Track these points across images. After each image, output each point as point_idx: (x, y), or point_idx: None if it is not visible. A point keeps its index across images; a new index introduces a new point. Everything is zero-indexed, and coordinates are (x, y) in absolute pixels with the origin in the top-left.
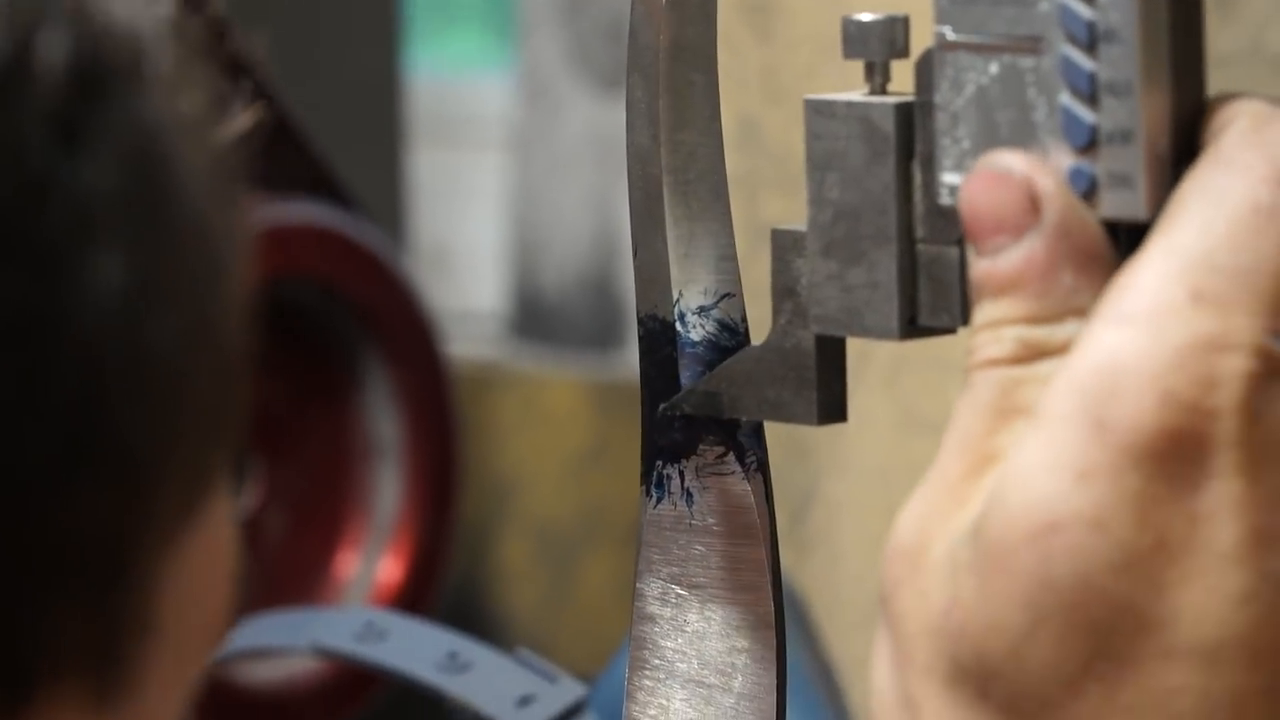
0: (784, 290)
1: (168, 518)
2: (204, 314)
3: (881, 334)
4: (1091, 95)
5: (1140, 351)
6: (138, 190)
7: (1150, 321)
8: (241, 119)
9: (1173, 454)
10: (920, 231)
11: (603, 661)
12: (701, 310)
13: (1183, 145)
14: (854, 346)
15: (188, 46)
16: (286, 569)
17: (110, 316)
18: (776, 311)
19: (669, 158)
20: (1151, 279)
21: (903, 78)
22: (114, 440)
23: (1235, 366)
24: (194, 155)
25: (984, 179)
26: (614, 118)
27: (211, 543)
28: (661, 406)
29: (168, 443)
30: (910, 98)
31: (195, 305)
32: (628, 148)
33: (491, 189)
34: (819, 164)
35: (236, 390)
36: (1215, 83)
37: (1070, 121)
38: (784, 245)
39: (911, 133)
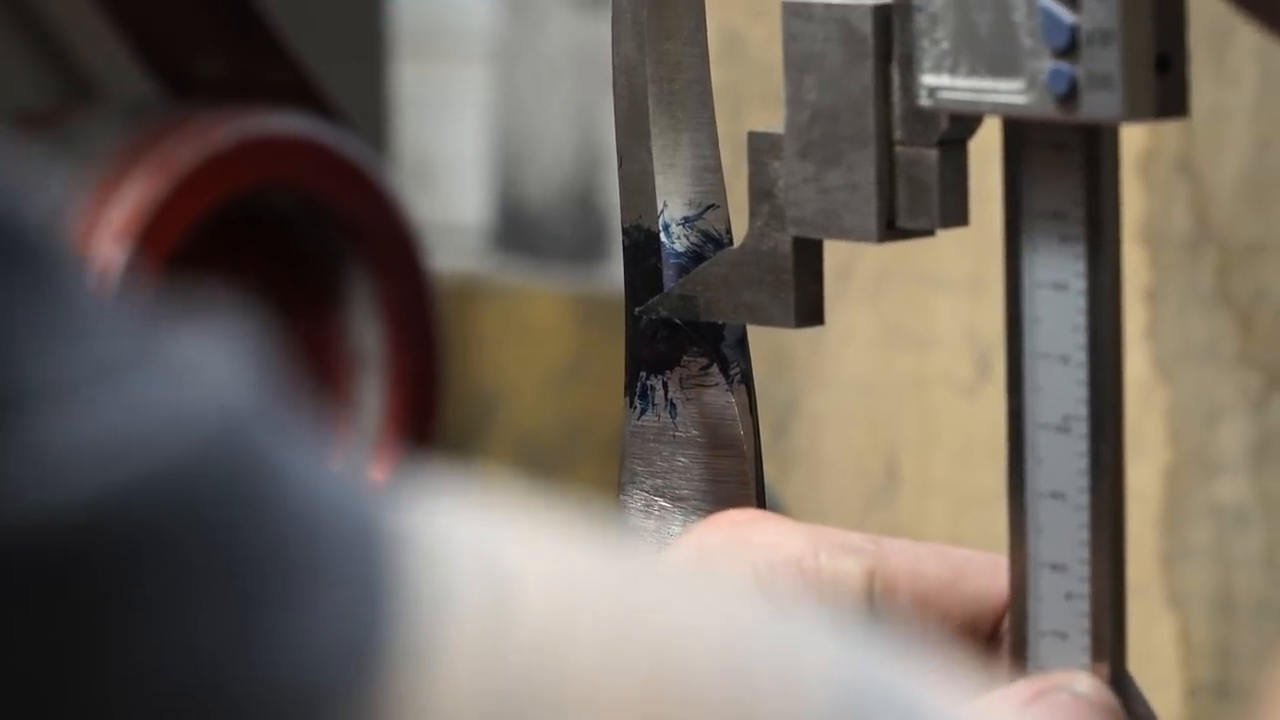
0: (761, 192)
1: None
2: None
3: (860, 235)
4: None
5: None
6: None
7: None
8: None
9: None
10: (899, 133)
11: None
12: (686, 221)
13: (1163, 46)
14: (835, 261)
15: None
16: None
17: None
18: (753, 214)
19: (654, 68)
20: None
21: None
22: None
23: None
24: None
25: None
26: (597, 30)
27: None
28: (637, 310)
29: None
30: (889, 0)
31: None
32: (613, 59)
33: (475, 101)
34: (797, 66)
35: None
36: (1199, 15)
37: (1049, 22)
38: (761, 148)
39: (890, 34)
